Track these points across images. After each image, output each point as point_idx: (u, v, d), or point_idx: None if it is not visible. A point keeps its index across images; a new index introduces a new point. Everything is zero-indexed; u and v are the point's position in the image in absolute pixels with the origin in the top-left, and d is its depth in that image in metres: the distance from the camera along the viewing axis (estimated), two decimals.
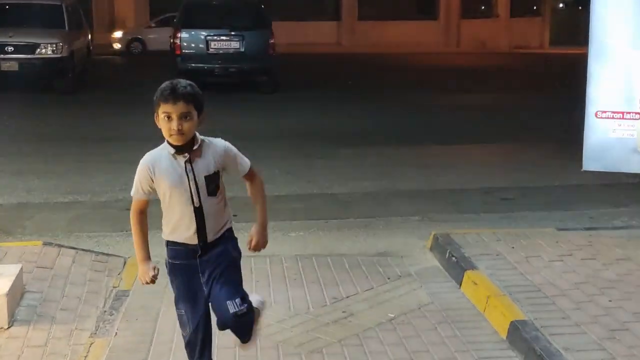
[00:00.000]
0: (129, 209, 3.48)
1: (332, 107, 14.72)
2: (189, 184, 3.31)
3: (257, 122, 12.90)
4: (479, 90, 17.53)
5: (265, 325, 4.58)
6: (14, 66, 15.44)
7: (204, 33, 16.51)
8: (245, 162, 3.48)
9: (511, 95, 16.74)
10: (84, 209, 7.45)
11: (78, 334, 4.46)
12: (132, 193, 3.42)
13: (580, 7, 31.69)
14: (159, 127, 3.31)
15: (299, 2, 31.84)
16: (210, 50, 16.53)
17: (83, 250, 5.86)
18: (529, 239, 5.96)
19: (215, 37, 16.56)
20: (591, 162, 8.24)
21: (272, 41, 16.69)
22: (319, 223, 6.98)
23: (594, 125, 7.95)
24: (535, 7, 35.22)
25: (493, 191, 8.20)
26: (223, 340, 3.88)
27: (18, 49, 15.46)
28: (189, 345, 3.50)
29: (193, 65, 16.13)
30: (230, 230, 3.49)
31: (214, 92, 14.82)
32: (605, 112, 7.65)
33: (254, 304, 3.51)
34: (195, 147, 3.31)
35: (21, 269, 4.88)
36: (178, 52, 16.35)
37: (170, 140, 3.29)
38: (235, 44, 16.65)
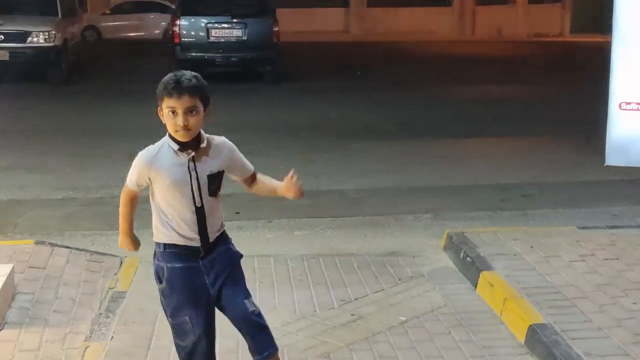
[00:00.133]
0: None
1: (340, 99, 14.71)
2: (192, 182, 3.31)
3: (260, 115, 12.91)
4: (496, 81, 17.49)
5: (270, 328, 4.59)
6: (4, 56, 15.47)
7: (204, 20, 16.51)
8: (249, 164, 3.51)
9: (529, 86, 16.71)
10: (78, 206, 7.47)
11: (72, 337, 4.47)
12: (126, 181, 3.43)
13: None
14: (163, 122, 3.29)
15: None
16: (211, 38, 16.53)
17: (77, 249, 5.88)
18: (549, 238, 5.96)
19: (216, 25, 16.56)
20: (614, 156, 8.23)
21: (276, 29, 16.68)
22: (326, 221, 6.99)
23: (617, 117, 7.93)
24: None
25: (510, 187, 8.19)
26: (225, 345, 3.89)
27: (8, 37, 15.48)
28: (192, 355, 3.41)
29: (193, 54, 16.13)
30: (224, 230, 3.51)
31: (214, 83, 14.84)
32: (629, 103, 7.62)
33: None
34: (202, 146, 3.30)
35: (12, 269, 4.90)
36: (177, 40, 16.34)
37: (176, 137, 3.27)
38: (237, 32, 16.65)
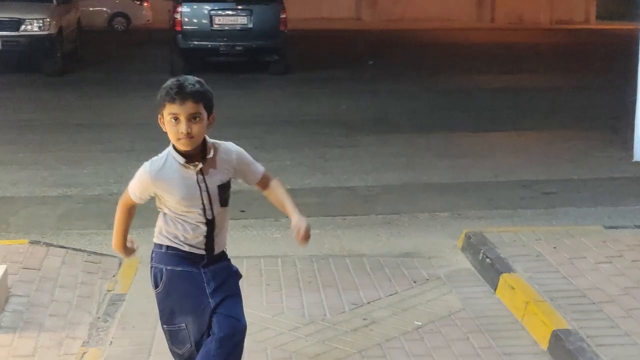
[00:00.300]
0: None
1: (351, 90, 14.71)
2: (202, 196, 3.30)
3: (266, 107, 12.92)
4: (517, 71, 17.47)
5: (277, 333, 4.62)
6: None
7: (207, 7, 16.51)
8: (259, 166, 3.50)
9: (553, 77, 16.68)
10: (74, 204, 7.50)
11: (69, 342, 4.50)
12: (128, 187, 3.43)
13: None
14: (164, 130, 3.28)
15: None
16: (215, 26, 16.52)
17: (74, 249, 5.90)
18: (573, 238, 5.95)
19: (220, 12, 16.56)
20: None
21: (283, 16, 16.68)
22: (337, 220, 7.00)
23: None
24: None
25: (532, 184, 8.18)
26: None
27: (0, 25, 15.52)
28: None
29: (195, 43, 16.15)
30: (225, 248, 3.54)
31: (218, 73, 14.88)
32: None
33: None
34: (209, 156, 3.29)
35: (5, 270, 4.92)
36: (178, 28, 16.34)
37: (179, 145, 3.25)
38: (242, 20, 16.64)
